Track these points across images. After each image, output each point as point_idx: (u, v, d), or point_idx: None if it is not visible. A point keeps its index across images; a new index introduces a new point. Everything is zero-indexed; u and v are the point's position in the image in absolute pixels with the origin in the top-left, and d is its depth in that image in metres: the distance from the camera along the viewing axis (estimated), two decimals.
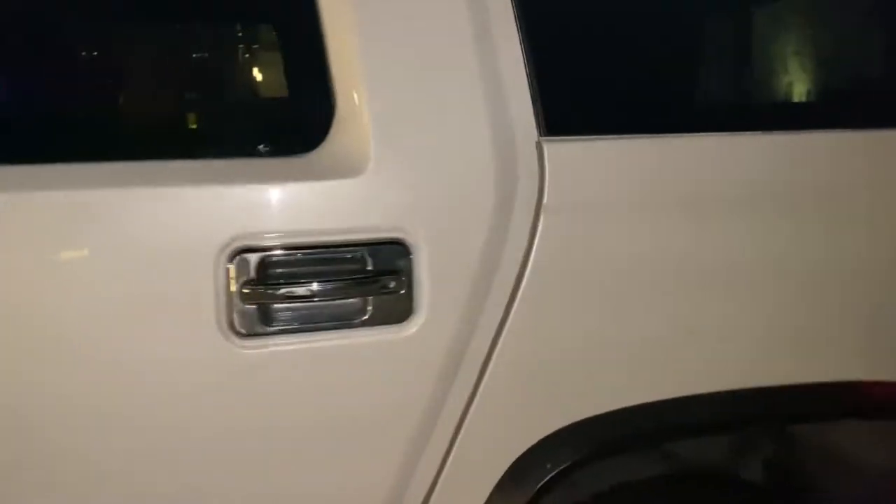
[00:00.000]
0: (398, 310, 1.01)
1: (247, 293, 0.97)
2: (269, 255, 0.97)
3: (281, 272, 0.98)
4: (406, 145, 0.99)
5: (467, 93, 1.01)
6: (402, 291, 1.01)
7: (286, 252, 0.98)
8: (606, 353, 1.11)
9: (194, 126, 0.99)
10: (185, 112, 1.00)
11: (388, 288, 1.00)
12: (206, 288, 0.95)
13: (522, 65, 1.03)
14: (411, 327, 1.02)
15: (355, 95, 0.98)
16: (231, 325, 0.97)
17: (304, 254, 0.98)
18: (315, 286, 0.98)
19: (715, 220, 1.12)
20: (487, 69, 1.01)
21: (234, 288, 0.96)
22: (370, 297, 1.01)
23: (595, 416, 1.10)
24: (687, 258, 1.12)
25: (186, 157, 0.95)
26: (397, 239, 1.00)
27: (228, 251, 0.95)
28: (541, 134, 1.04)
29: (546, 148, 1.04)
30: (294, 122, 1.04)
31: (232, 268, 0.96)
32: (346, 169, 0.98)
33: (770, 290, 1.16)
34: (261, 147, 0.99)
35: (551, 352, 1.08)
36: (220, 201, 0.96)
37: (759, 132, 1.13)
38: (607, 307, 1.10)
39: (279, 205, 0.97)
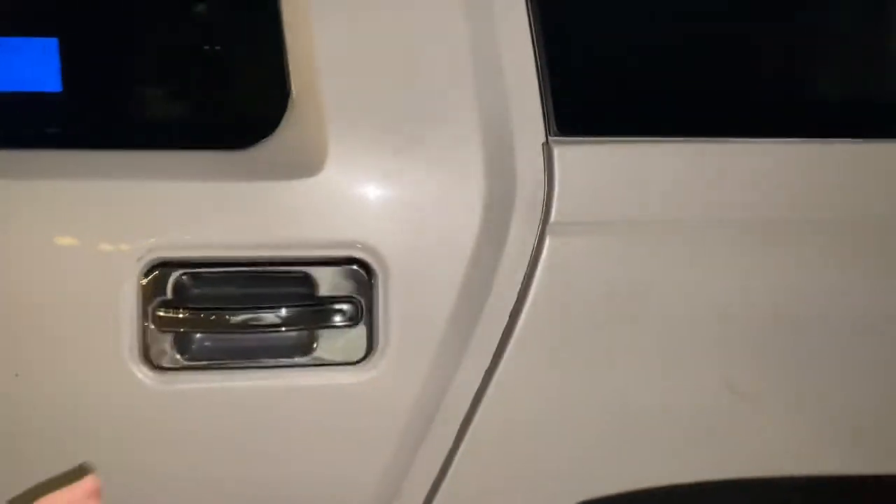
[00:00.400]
0: (353, 347, 0.80)
1: (163, 317, 0.77)
2: (192, 272, 0.77)
3: (205, 293, 0.78)
4: (372, 140, 0.78)
5: (454, 75, 0.79)
6: (360, 324, 0.79)
7: (213, 268, 0.78)
8: (627, 419, 0.86)
9: (109, 108, 0.81)
10: (99, 92, 0.82)
11: (342, 319, 0.79)
12: (116, 307, 0.76)
13: (529, 41, 0.81)
14: (369, 371, 0.80)
15: (313, 75, 0.78)
16: (144, 356, 0.78)
17: (235, 271, 0.78)
18: (248, 312, 0.78)
19: (786, 254, 0.86)
20: (482, 44, 0.79)
21: (148, 309, 0.77)
22: (318, 330, 0.79)
23: (606, 497, 0.86)
24: (743, 300, 0.86)
25: (97, 147, 0.76)
26: (356, 258, 0.79)
27: (143, 263, 0.76)
28: (549, 133, 0.82)
29: (556, 151, 0.81)
30: (237, 107, 0.85)
31: (146, 284, 0.77)
32: (294, 167, 0.78)
33: (857, 348, 0.89)
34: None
35: (553, 413, 0.85)
36: (136, 201, 0.77)
37: (851, 140, 0.88)
38: (630, 360, 0.85)
39: (209, 209, 0.77)
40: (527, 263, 0.82)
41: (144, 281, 0.76)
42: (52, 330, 0.76)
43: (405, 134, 0.78)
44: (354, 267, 0.79)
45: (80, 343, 0.77)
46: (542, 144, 0.81)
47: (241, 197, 0.77)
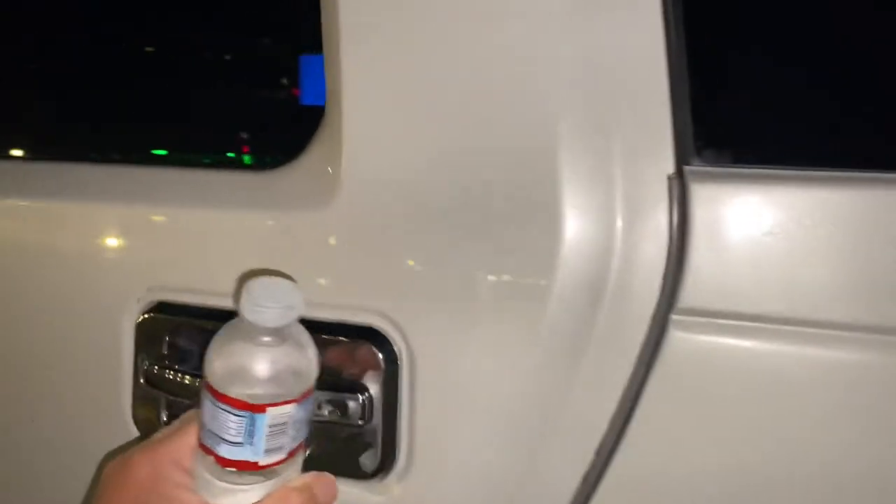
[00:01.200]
0: (358, 454, 0.56)
1: (150, 375, 0.62)
2: (179, 322, 0.61)
3: (187, 349, 0.61)
4: (398, 165, 0.54)
5: (523, 80, 0.51)
6: (370, 423, 0.55)
7: (200, 320, 0.61)
8: None
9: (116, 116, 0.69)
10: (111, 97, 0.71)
11: (345, 414, 0.56)
12: (117, 348, 0.64)
13: (659, 19, 0.49)
14: (382, 493, 0.55)
15: (339, 86, 0.56)
16: (134, 416, 0.64)
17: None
18: None
19: None
20: (578, 30, 0.50)
21: (141, 362, 0.63)
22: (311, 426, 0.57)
23: None
24: None
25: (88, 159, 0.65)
26: (370, 327, 0.55)
27: (142, 305, 0.63)
28: (682, 160, 0.49)
29: (694, 189, 0.48)
30: (273, 123, 0.68)
31: (141, 332, 0.63)
32: (301, 195, 0.58)
33: None
34: None
35: None
36: (143, 227, 0.64)
37: None
38: None
39: (217, 243, 0.61)
40: (630, 371, 0.50)
41: (141, 322, 0.63)
42: (59, 364, 0.67)
43: (444, 161, 0.53)
44: (366, 342, 0.55)
45: (85, 381, 0.66)
46: (670, 177, 0.49)
47: (240, 230, 0.60)
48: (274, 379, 0.41)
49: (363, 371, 0.55)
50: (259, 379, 0.41)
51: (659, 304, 0.49)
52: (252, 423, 0.40)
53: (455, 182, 0.52)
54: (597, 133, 0.49)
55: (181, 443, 0.43)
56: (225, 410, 0.40)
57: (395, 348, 0.55)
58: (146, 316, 0.62)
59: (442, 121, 0.52)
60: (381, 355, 0.55)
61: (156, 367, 0.62)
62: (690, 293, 0.48)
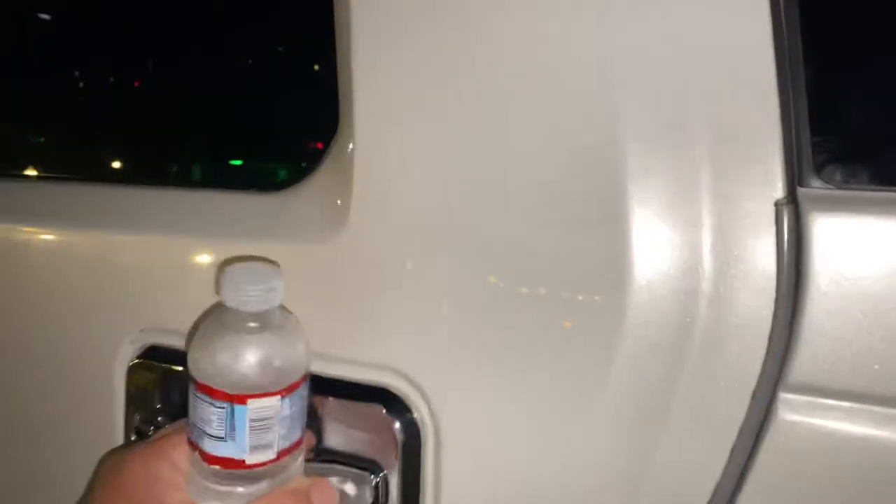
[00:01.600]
0: None
1: (141, 429, 0.54)
2: (171, 372, 0.52)
3: (181, 404, 0.52)
4: (426, 194, 0.43)
5: (574, 82, 0.39)
6: None
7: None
8: None
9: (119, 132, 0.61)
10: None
11: (354, 497, 0.45)
12: (110, 392, 0.56)
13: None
14: None
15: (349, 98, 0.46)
16: None
17: None
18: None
19: None
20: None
21: (132, 414, 0.55)
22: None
23: None
24: None
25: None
26: (384, 388, 0.44)
27: (135, 348, 0.54)
28: (794, 181, 0.36)
29: (810, 219, 0.35)
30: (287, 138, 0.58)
31: (132, 379, 0.54)
32: (306, 224, 0.48)
33: None
34: None
35: None
36: (129, 257, 0.55)
37: None
38: None
39: (204, 278, 0.52)
40: (723, 464, 0.37)
41: (132, 367, 0.54)
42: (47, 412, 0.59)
43: (476, 190, 0.42)
44: (379, 407, 0.44)
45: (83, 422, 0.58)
46: (778, 203, 0.36)
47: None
48: (255, 368, 0.38)
49: (376, 445, 0.44)
50: (239, 368, 0.38)
51: (763, 377, 0.36)
52: (232, 416, 0.38)
53: (490, 212, 0.41)
54: (676, 145, 0.37)
55: (176, 442, 0.42)
56: (204, 401, 0.38)
57: (416, 416, 0.44)
58: (137, 361, 0.54)
59: (473, 142, 0.41)
60: (397, 425, 0.44)
61: (151, 427, 0.53)
62: (806, 363, 0.36)
